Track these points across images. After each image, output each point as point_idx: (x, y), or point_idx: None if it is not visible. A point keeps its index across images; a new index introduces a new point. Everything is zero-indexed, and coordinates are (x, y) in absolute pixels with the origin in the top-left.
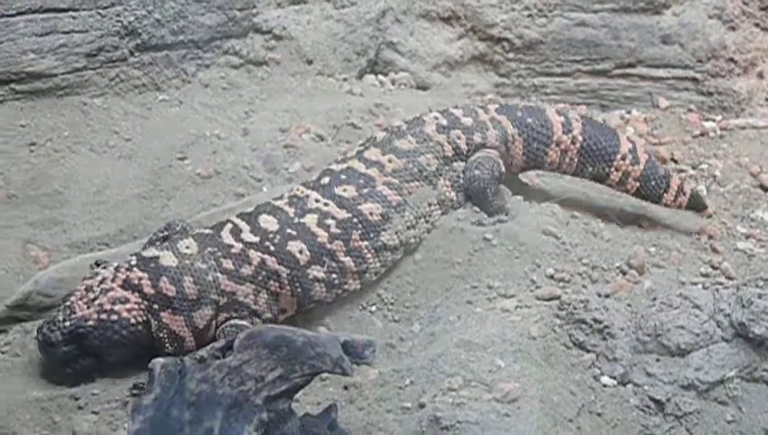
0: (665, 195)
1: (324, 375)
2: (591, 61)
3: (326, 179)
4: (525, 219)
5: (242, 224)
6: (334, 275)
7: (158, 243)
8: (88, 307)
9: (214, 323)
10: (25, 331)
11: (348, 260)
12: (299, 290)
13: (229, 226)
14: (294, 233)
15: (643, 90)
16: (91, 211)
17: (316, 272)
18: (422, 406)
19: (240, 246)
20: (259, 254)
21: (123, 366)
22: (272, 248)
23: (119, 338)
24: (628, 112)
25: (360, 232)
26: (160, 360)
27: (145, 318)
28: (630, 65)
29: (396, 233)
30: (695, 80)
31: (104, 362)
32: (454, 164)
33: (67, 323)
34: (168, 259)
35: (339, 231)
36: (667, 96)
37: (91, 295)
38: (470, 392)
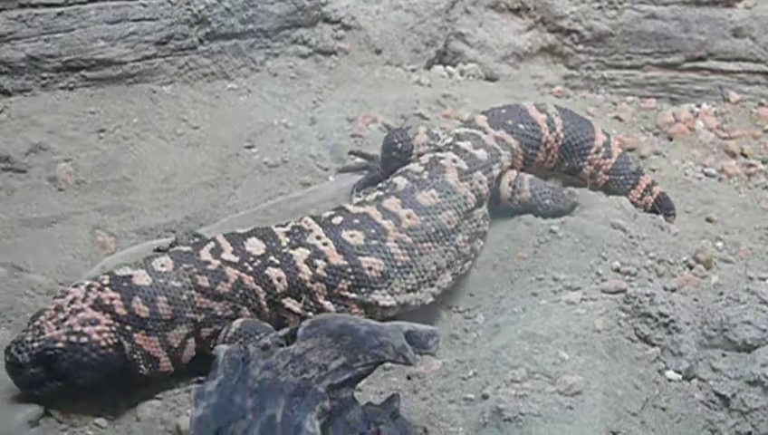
0: (632, 191)
1: (387, 365)
2: (661, 54)
3: (338, 219)
4: (593, 212)
5: (225, 244)
6: (311, 314)
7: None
8: (57, 328)
9: (192, 340)
10: None
11: (328, 304)
12: (275, 315)
13: (211, 244)
14: (277, 262)
15: (713, 83)
16: (158, 198)
17: (291, 305)
18: (485, 397)
19: (217, 262)
20: (236, 272)
21: (92, 390)
22: (249, 269)
23: (88, 361)
24: (698, 106)
25: (349, 283)
26: (224, 347)
27: (116, 340)
28: (701, 58)
29: (393, 295)
30: (766, 73)
31: (73, 385)
32: (475, 212)
33: (35, 345)
34: (141, 278)
35: (325, 274)
36: (737, 90)
37: (61, 316)
38: (533, 384)
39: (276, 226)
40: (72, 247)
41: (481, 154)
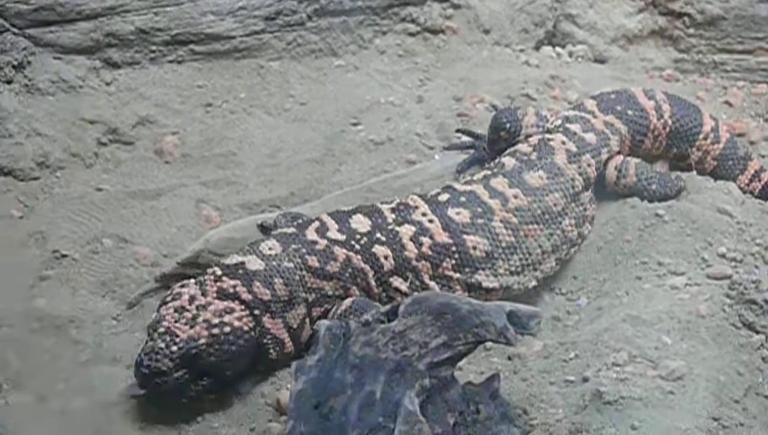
0: (740, 176)
1: (488, 344)
2: None
3: (444, 196)
4: (699, 197)
5: (330, 222)
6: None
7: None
8: (192, 326)
9: (307, 320)
10: None
11: (432, 284)
12: (384, 294)
13: (315, 224)
14: (384, 239)
15: None
16: (263, 173)
17: (398, 284)
18: (586, 380)
19: (325, 242)
20: (344, 251)
21: (237, 381)
22: (357, 247)
23: (236, 349)
24: None
25: (453, 262)
26: (325, 322)
27: (253, 324)
28: None
29: (496, 276)
30: None
31: (220, 380)
32: (581, 196)
33: (174, 348)
34: (253, 263)
35: (430, 253)
36: None
37: (189, 314)
38: (635, 368)
39: (381, 203)
40: (177, 220)
41: (590, 137)
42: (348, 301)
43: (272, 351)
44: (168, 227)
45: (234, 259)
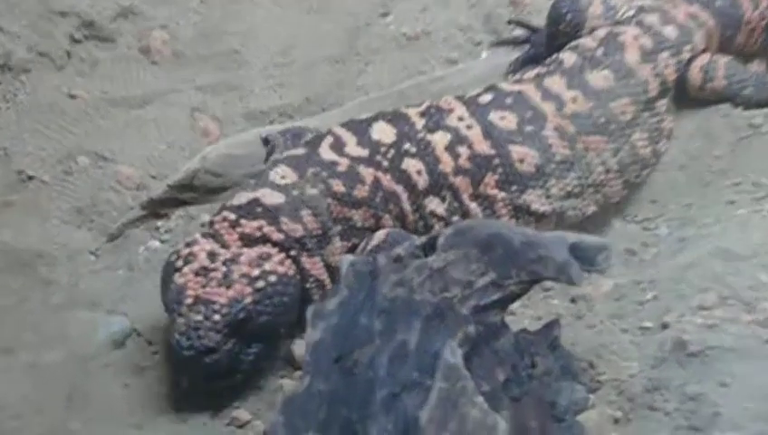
0: None
1: (547, 284)
2: None
3: (486, 97)
4: None
5: (346, 135)
6: (456, 219)
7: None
8: (228, 287)
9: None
10: (190, 216)
11: (474, 207)
12: (421, 223)
13: (328, 139)
14: (414, 150)
15: None
16: (272, 75)
17: (434, 206)
18: (665, 326)
19: (346, 161)
20: (371, 170)
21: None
22: (384, 164)
23: (288, 300)
24: None
25: (497, 178)
26: (348, 257)
27: (294, 268)
28: None
29: (548, 198)
30: None
31: (271, 343)
32: (657, 103)
33: (217, 317)
34: (271, 197)
35: (469, 166)
36: None
37: (218, 274)
38: (725, 312)
39: (407, 106)
40: (169, 133)
41: (669, 32)
42: (381, 233)
43: (314, 296)
44: (157, 141)
45: (243, 198)
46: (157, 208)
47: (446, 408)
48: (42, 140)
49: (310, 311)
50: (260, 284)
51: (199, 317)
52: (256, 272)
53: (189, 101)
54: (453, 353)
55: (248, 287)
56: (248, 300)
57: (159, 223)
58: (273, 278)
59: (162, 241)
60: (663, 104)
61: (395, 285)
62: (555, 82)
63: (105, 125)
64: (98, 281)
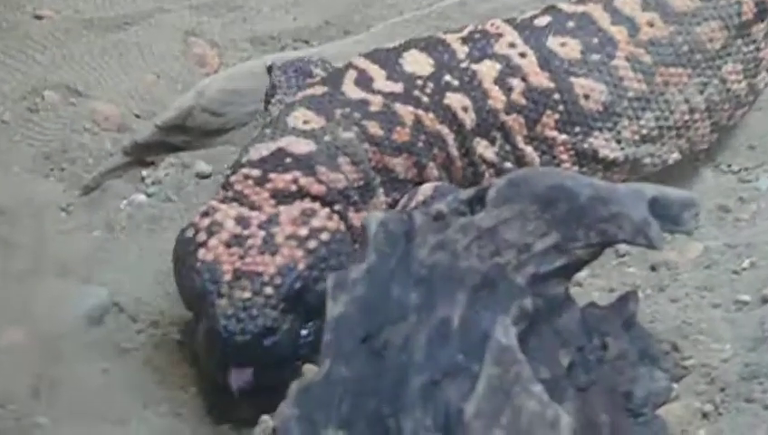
0: None
1: (621, 247)
2: None
3: (543, 20)
4: None
5: (372, 67)
6: (509, 166)
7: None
8: (274, 253)
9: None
10: (183, 164)
11: (529, 152)
12: (470, 171)
13: (351, 73)
14: (456, 83)
15: None
16: None
17: (483, 149)
18: (765, 301)
19: (380, 99)
20: (410, 109)
21: None
22: (424, 100)
23: (344, 258)
24: None
25: (557, 118)
26: (378, 214)
27: (342, 223)
28: None
29: (619, 142)
30: None
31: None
32: (753, 29)
33: (269, 291)
34: (297, 145)
35: (524, 102)
36: None
37: (256, 242)
38: None
39: (446, 32)
40: (157, 63)
41: None
42: (427, 187)
43: None
44: (142, 72)
45: (262, 150)
46: (142, 154)
47: (496, 399)
48: (1, 72)
49: (330, 280)
50: (312, 244)
51: (247, 294)
52: (304, 231)
53: (182, 23)
54: (506, 333)
55: (299, 250)
56: (302, 266)
57: (145, 172)
58: (325, 236)
59: (148, 194)
60: (761, 30)
61: (435, 249)
62: (627, 3)
63: (78, 52)
64: (70, 243)
